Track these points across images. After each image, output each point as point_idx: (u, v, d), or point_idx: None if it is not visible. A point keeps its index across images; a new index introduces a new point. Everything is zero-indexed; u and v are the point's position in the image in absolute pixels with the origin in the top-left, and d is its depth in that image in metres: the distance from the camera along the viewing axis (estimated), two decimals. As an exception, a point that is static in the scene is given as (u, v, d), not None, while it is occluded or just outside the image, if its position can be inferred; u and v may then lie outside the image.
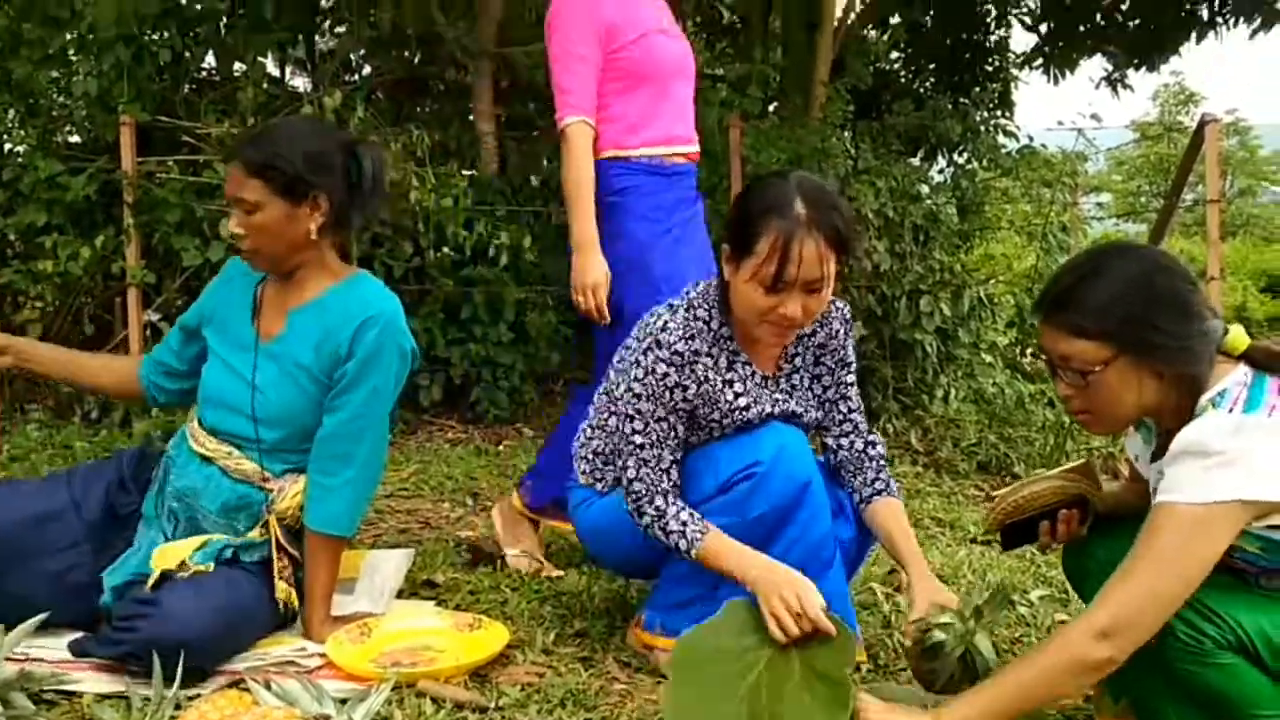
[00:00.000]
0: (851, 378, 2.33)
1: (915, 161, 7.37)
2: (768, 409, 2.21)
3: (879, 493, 2.26)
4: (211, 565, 2.14)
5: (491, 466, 4.52)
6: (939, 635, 1.84)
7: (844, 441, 2.32)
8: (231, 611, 2.14)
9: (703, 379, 2.13)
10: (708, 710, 1.82)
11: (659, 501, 2.11)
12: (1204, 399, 1.62)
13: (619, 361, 2.31)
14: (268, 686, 1.87)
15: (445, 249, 5.28)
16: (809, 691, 1.78)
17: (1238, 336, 1.65)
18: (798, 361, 2.29)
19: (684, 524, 2.09)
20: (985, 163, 7.13)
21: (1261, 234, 24.37)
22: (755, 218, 2.02)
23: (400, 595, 2.63)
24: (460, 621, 2.40)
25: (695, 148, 2.92)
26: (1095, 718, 1.92)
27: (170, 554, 2.14)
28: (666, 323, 2.13)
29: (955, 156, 7.60)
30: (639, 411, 2.13)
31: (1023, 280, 6.04)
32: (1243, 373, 1.63)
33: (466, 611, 2.51)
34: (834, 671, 1.79)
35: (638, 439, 2.13)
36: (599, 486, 2.32)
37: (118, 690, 1.97)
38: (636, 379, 2.13)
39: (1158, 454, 1.74)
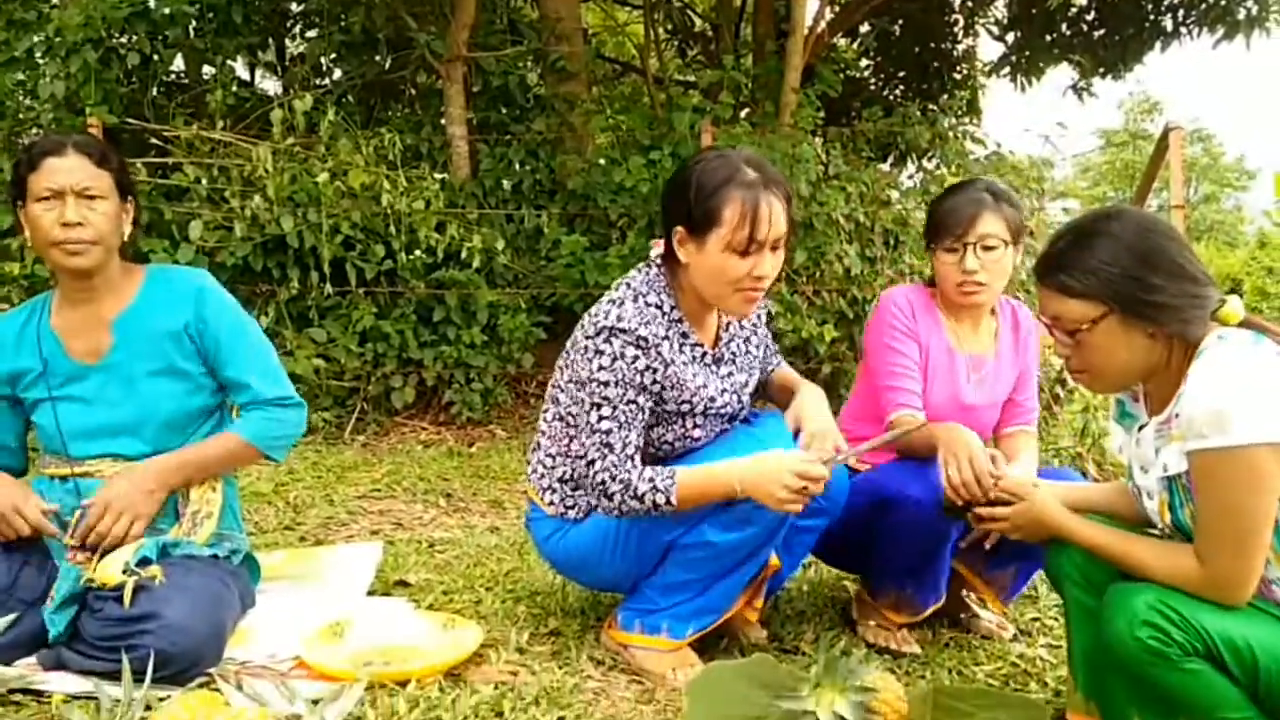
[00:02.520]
0: (768, 336, 2.47)
1: (885, 167, 7.42)
2: (720, 385, 2.26)
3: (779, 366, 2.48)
4: (158, 570, 2.08)
5: (464, 468, 4.52)
6: None
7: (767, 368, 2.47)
8: (222, 611, 2.15)
9: (668, 360, 2.16)
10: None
11: (624, 476, 2.12)
12: (1205, 343, 1.64)
13: (569, 382, 2.26)
14: (239, 687, 1.86)
15: (418, 252, 5.27)
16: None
17: (1234, 308, 1.67)
18: (734, 329, 2.36)
19: (651, 481, 2.10)
20: (954, 168, 7.18)
21: (1225, 239, 24.77)
22: (712, 192, 2.08)
23: (373, 595, 2.62)
24: (434, 621, 2.39)
25: None
26: (1067, 711, 1.94)
27: (109, 567, 2.08)
28: (619, 314, 2.13)
29: (924, 162, 7.66)
30: (606, 398, 2.13)
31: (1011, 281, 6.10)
32: (1240, 331, 1.66)
33: (440, 611, 2.51)
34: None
35: (605, 425, 2.13)
36: (571, 514, 2.29)
37: (86, 691, 1.95)
38: (601, 367, 2.12)
39: (1144, 425, 1.78)
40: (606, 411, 2.13)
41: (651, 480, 2.10)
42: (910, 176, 7.40)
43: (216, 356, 2.34)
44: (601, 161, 6.09)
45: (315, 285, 5.17)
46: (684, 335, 2.23)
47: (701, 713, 1.91)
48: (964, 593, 2.61)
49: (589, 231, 5.88)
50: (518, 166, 6.17)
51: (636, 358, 2.11)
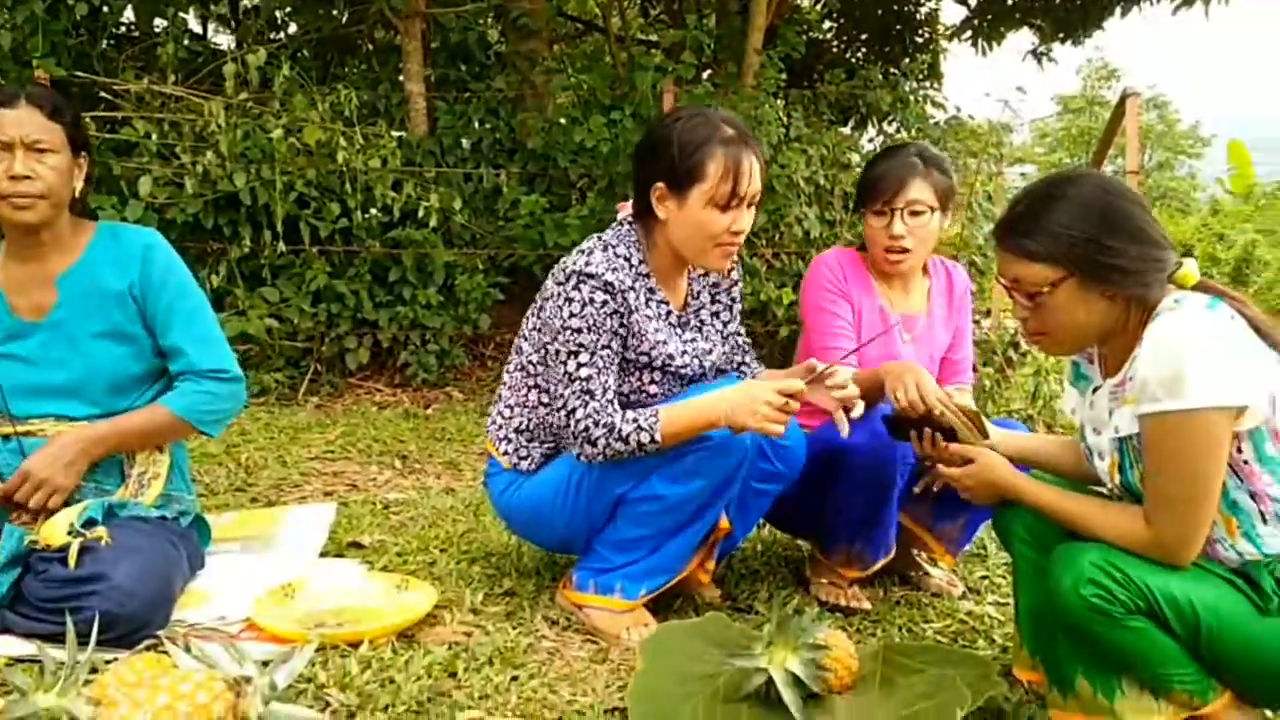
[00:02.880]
0: (738, 308, 2.47)
1: (846, 130, 7.42)
2: (681, 348, 2.27)
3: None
4: (104, 532, 2.06)
5: (420, 429, 4.49)
6: None
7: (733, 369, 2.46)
8: (170, 573, 2.13)
9: (634, 308, 2.18)
10: (667, 698, 1.84)
11: (606, 420, 2.11)
12: (1161, 306, 1.65)
13: (535, 331, 2.28)
14: (187, 649, 1.83)
15: (373, 210, 5.20)
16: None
17: (1190, 270, 1.68)
18: (703, 298, 2.38)
19: (635, 421, 2.10)
20: (914, 132, 7.20)
21: (1178, 206, 25.09)
22: (695, 148, 2.12)
23: (325, 556, 2.60)
24: (387, 583, 2.38)
25: None
26: (1013, 668, 1.97)
27: (54, 528, 2.05)
28: (588, 261, 2.15)
29: (885, 126, 7.66)
30: (582, 345, 2.13)
31: (948, 248, 6.13)
32: (1196, 295, 1.67)
33: (394, 573, 2.50)
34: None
35: (584, 371, 2.13)
36: (525, 465, 2.30)
37: (30, 654, 1.91)
38: (573, 314, 2.13)
39: (1098, 387, 1.80)
40: (584, 358, 2.13)
41: (635, 420, 2.10)
42: (871, 140, 7.42)
43: (156, 321, 2.29)
44: (562, 121, 6.02)
45: (268, 244, 5.07)
46: (651, 290, 2.24)
47: (655, 670, 1.92)
48: (914, 551, 2.64)
49: (549, 192, 5.83)
50: (477, 125, 6.08)
51: (605, 302, 2.13)
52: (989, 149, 6.95)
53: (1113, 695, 1.67)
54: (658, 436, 2.08)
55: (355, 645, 2.07)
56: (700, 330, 2.36)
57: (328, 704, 1.83)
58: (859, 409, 2.11)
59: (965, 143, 7.01)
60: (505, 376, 2.36)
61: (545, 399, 2.26)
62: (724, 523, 2.28)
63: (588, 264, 2.14)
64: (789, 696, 1.77)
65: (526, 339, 2.30)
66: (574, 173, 5.79)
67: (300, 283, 5.17)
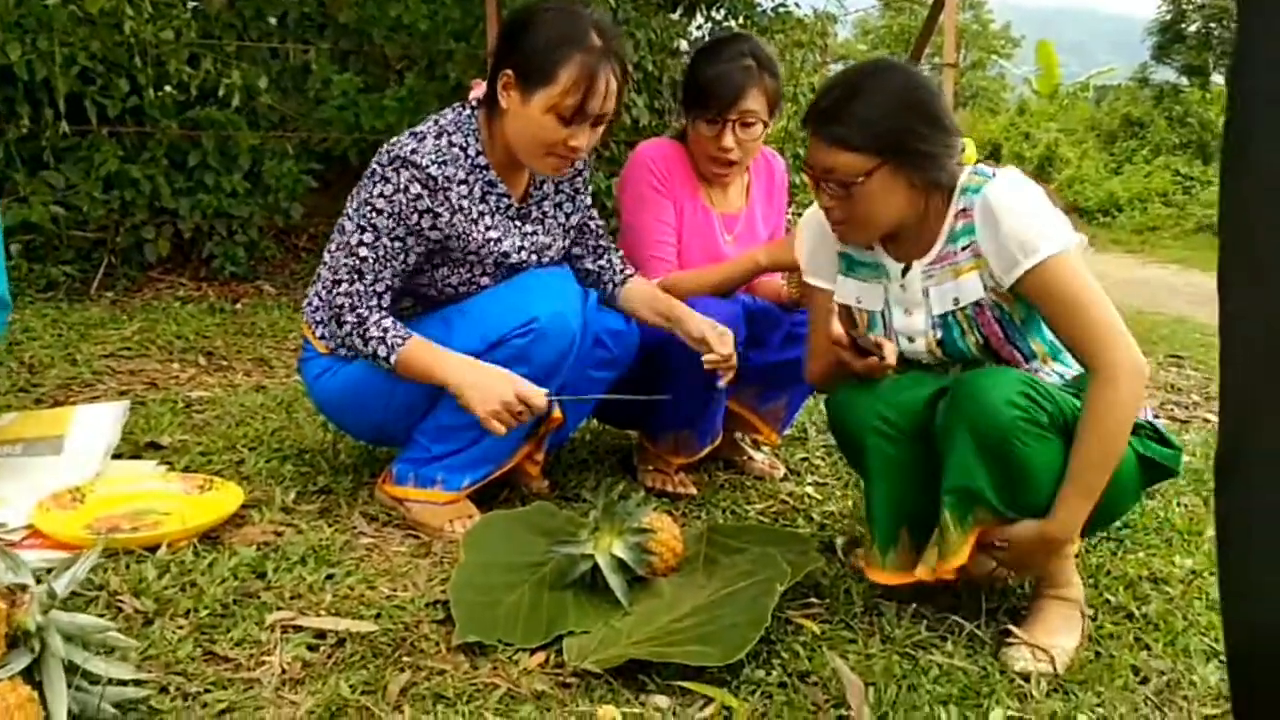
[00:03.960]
0: (588, 199, 2.34)
1: (674, 16, 7.29)
2: (519, 242, 2.16)
3: (619, 284, 2.32)
4: None
5: (228, 325, 4.22)
6: None
7: (602, 263, 2.33)
8: None
9: (456, 207, 2.05)
10: (490, 589, 1.79)
11: (361, 311, 2.03)
12: (963, 182, 1.76)
13: (354, 206, 2.12)
14: (-46, 559, 1.66)
15: (168, 88, 4.77)
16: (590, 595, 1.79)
17: (971, 151, 1.80)
18: (546, 188, 2.26)
19: (385, 330, 2.02)
20: (741, 20, 7.13)
21: (988, 105, 26.15)
22: (553, 47, 1.97)
23: (119, 458, 2.41)
24: (189, 483, 2.23)
25: None
26: (865, 570, 1.90)
27: None
28: (416, 147, 2.01)
29: (713, 13, 7.55)
30: (374, 225, 2.01)
31: (772, 143, 6.17)
32: (982, 166, 1.79)
33: (197, 473, 2.34)
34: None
35: (364, 251, 2.02)
36: (343, 352, 2.16)
37: None
38: (381, 194, 2.00)
39: (906, 270, 1.84)
40: (369, 239, 2.01)
41: (385, 331, 2.02)
42: (699, 27, 7.29)
43: None
44: (376, -6, 5.65)
45: (50, 123, 4.59)
46: (489, 184, 2.11)
47: (478, 561, 1.88)
48: (738, 435, 2.67)
49: (364, 72, 5.50)
50: (282, -4, 5.64)
51: (419, 196, 2.00)
52: (815, 40, 6.99)
53: (966, 518, 1.69)
54: (393, 360, 2.01)
55: (153, 550, 1.92)
56: (542, 223, 2.23)
57: (120, 611, 1.70)
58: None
59: (793, 34, 7.02)
60: (326, 256, 2.20)
61: None
62: (556, 414, 2.22)
63: (414, 151, 2.00)
64: (614, 581, 1.76)
65: (349, 218, 2.13)
66: (390, 51, 5.48)
67: (89, 167, 4.71)
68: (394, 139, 2.07)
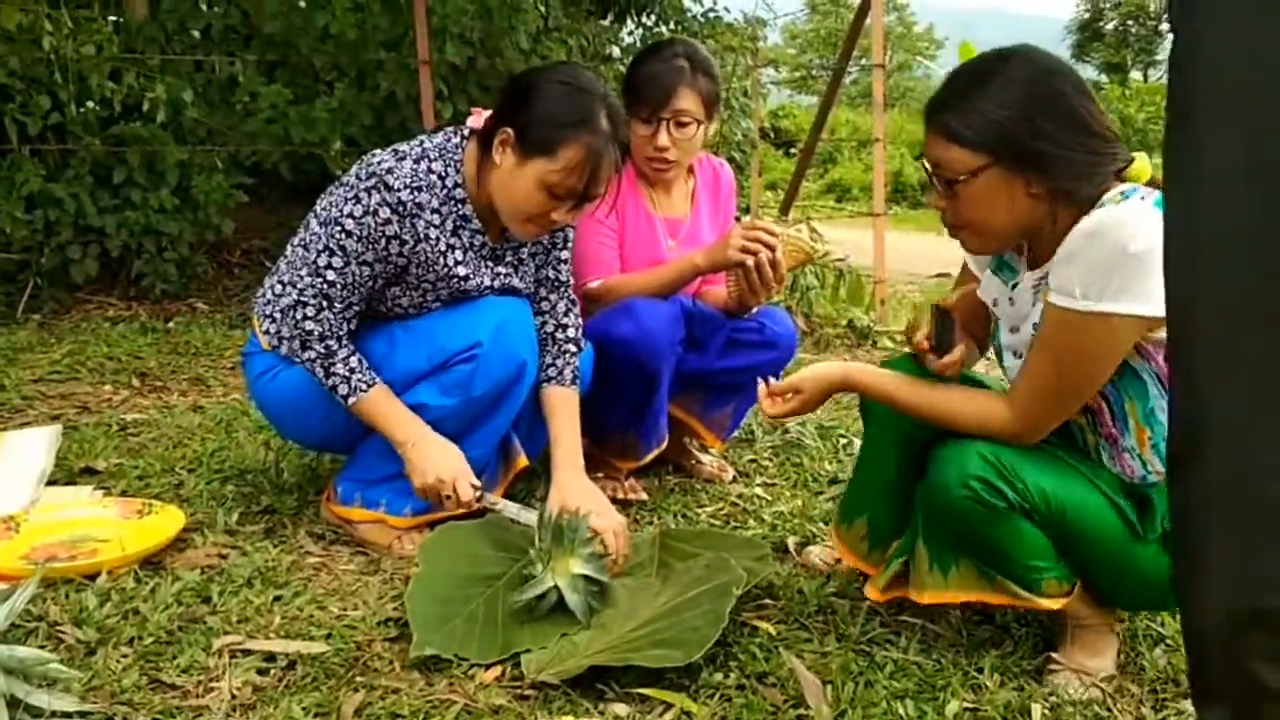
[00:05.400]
0: (566, 255, 2.24)
1: (605, 23, 7.30)
2: (487, 282, 2.10)
3: (550, 379, 2.18)
4: None
5: (161, 344, 4.12)
6: None
7: (539, 320, 2.21)
8: None
9: (423, 235, 1.98)
10: (448, 600, 1.77)
11: (330, 343, 1.99)
12: (1105, 198, 1.50)
13: (323, 210, 2.08)
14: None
15: (90, 104, 4.65)
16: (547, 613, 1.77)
17: (1143, 165, 1.55)
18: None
19: (352, 370, 2.00)
20: (673, 25, 7.17)
21: (916, 106, 26.59)
22: (561, 123, 1.91)
23: (54, 485, 2.34)
24: (126, 508, 2.17)
25: None
26: (866, 592, 1.87)
27: None
28: (393, 168, 1.95)
29: (644, 19, 7.59)
30: (343, 248, 1.96)
31: (707, 147, 6.20)
32: (1147, 190, 1.51)
33: (134, 498, 2.28)
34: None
35: (331, 275, 1.97)
36: (285, 349, 2.11)
37: None
38: (351, 215, 1.94)
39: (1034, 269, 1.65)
40: (337, 262, 1.97)
41: (351, 372, 2.00)
42: (630, 33, 7.32)
43: None
44: (302, 4, 5.55)
45: (-35, 143, 4.47)
46: (463, 218, 2.04)
47: (434, 573, 1.84)
48: (686, 440, 2.68)
49: (292, 83, 5.39)
50: (205, 8, 5.51)
51: (388, 221, 1.94)
52: (745, 44, 7.04)
53: (948, 570, 1.66)
54: (352, 402, 2.00)
55: (92, 578, 1.87)
56: (515, 268, 2.16)
57: (61, 642, 1.65)
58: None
59: (723, 38, 7.07)
60: (287, 250, 2.15)
61: None
62: (521, 460, 2.22)
63: (390, 171, 1.94)
64: (575, 600, 1.75)
65: (316, 216, 2.09)
66: (319, 61, 5.40)
67: (10, 186, 4.57)
68: (378, 153, 2.01)
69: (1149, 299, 1.41)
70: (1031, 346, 1.57)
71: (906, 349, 1.81)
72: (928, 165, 1.58)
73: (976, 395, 1.63)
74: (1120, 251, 1.42)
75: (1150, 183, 1.54)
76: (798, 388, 1.80)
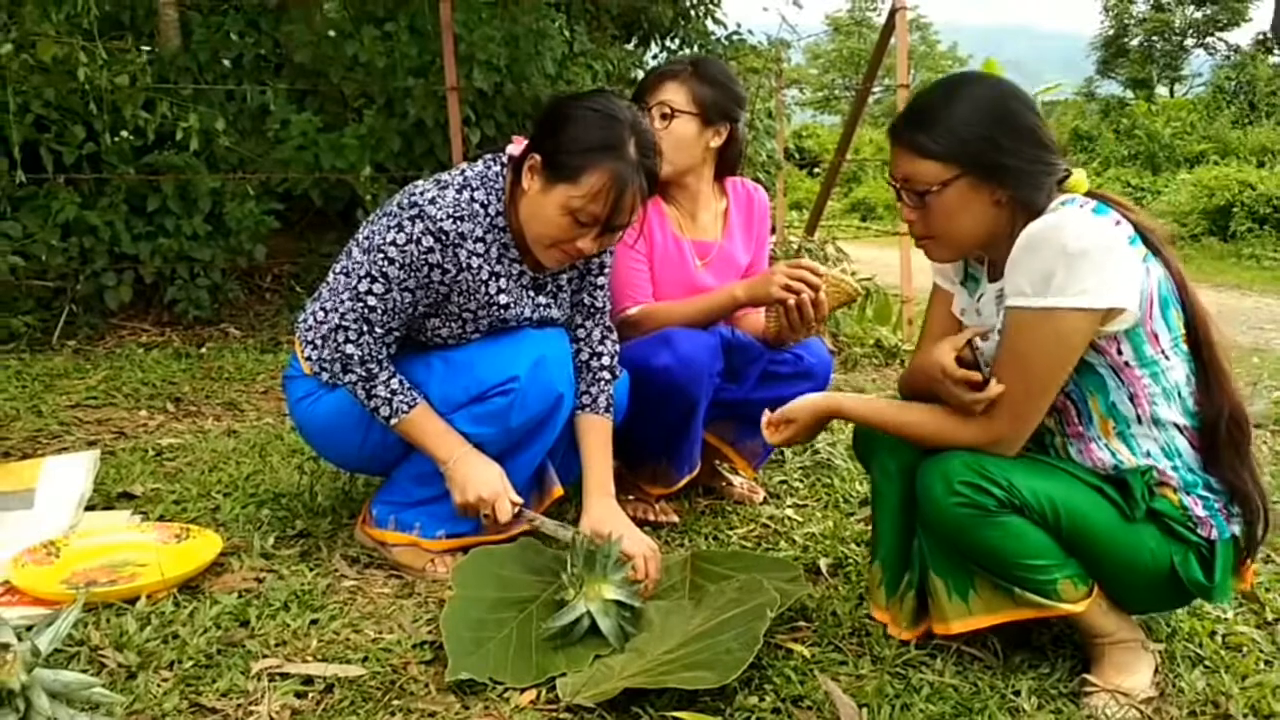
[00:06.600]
0: (603, 281, 2.23)
1: (630, 47, 7.36)
2: (528, 313, 2.11)
3: (585, 407, 2.18)
4: None
5: (194, 370, 4.18)
6: None
7: (574, 347, 2.21)
8: None
9: (465, 265, 1.99)
10: (481, 624, 1.79)
11: (371, 366, 2.01)
12: (1049, 206, 1.62)
13: (365, 238, 2.10)
14: (-70, 622, 1.63)
15: (124, 133, 4.73)
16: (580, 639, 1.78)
17: (1080, 179, 1.67)
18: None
19: (393, 392, 2.01)
20: (696, 48, 7.21)
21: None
22: (587, 149, 1.90)
23: (92, 509, 2.38)
24: (165, 533, 2.20)
25: None
26: (869, 608, 1.91)
27: None
28: (435, 197, 1.96)
29: (668, 42, 7.65)
30: (385, 275, 1.96)
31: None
32: (1084, 199, 1.64)
33: (172, 522, 2.31)
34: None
35: (373, 300, 1.98)
36: (326, 376, 2.13)
37: None
38: (394, 243, 1.95)
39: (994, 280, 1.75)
40: (379, 289, 1.97)
41: (393, 393, 2.01)
42: (655, 56, 7.37)
43: None
44: (331, 34, 5.65)
45: (4, 172, 4.55)
46: (505, 246, 2.04)
47: (469, 596, 1.86)
48: (716, 462, 2.68)
49: (321, 111, 5.48)
50: (236, 38, 5.62)
51: (431, 250, 1.94)
52: (769, 65, 7.08)
53: (966, 594, 1.69)
54: (394, 422, 2.01)
55: (132, 602, 1.89)
56: (555, 296, 2.17)
57: (104, 666, 1.67)
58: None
59: (747, 60, 7.11)
60: (329, 276, 2.18)
61: None
62: (557, 489, 2.23)
63: (433, 202, 1.95)
64: (608, 625, 1.76)
65: (358, 245, 2.11)
66: (348, 89, 5.47)
67: (46, 215, 4.67)
68: (420, 183, 2.03)
69: (1089, 293, 1.53)
70: (997, 355, 1.65)
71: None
72: (896, 181, 1.70)
73: (958, 411, 1.68)
74: (1060, 251, 1.53)
75: (1089, 194, 1.66)
76: (791, 418, 1.91)
